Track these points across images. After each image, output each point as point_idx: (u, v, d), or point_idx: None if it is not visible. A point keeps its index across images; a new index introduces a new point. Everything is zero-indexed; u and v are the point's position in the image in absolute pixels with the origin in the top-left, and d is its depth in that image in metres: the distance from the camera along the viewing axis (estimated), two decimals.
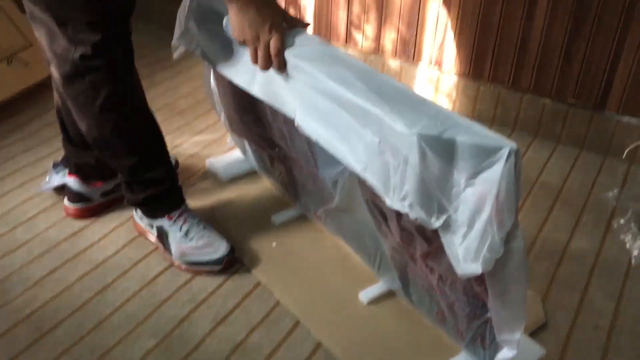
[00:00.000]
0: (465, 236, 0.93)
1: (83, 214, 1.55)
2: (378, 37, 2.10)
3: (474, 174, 0.88)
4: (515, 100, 1.92)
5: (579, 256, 1.47)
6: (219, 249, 1.39)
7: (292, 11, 2.23)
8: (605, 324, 1.30)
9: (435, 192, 0.93)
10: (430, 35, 1.99)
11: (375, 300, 1.33)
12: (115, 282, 1.38)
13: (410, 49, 2.05)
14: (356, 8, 2.09)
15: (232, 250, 1.40)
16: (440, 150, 0.90)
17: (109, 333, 1.25)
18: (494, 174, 0.86)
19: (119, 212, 1.58)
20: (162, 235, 1.42)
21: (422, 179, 0.92)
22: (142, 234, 1.49)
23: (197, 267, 1.39)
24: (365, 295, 1.33)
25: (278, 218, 1.55)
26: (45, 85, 2.06)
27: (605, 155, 1.84)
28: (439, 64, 2.02)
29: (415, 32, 2.01)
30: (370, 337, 1.25)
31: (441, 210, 0.94)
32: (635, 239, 1.49)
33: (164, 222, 1.41)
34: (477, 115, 2.00)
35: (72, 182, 1.52)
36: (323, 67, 1.07)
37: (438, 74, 2.03)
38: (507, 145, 0.86)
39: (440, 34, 1.97)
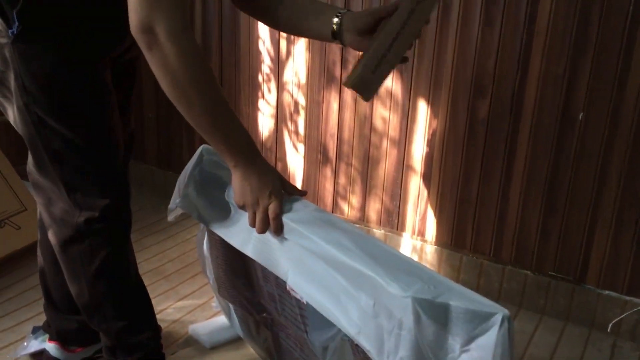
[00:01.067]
0: None
1: None
2: (363, 207, 2.18)
3: (469, 340, 0.89)
4: (498, 271, 1.96)
5: None
6: None
7: None
8: None
9: (430, 358, 0.93)
10: (412, 206, 2.08)
11: None
12: None
13: (394, 219, 2.13)
14: (342, 179, 2.20)
15: None
16: (435, 314, 0.91)
17: None
18: (489, 340, 0.87)
19: None
20: None
21: (417, 343, 0.92)
22: None
23: None
24: None
25: None
26: (32, 249, 2.07)
27: (591, 329, 1.84)
28: (421, 234, 2.09)
29: (398, 203, 2.10)
30: None
31: None
32: None
33: None
34: (461, 284, 2.01)
35: (52, 348, 1.48)
36: (318, 230, 1.11)
37: (421, 243, 2.09)
38: (500, 311, 0.88)
39: (422, 205, 2.06)
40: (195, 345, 1.68)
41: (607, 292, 1.80)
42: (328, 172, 2.22)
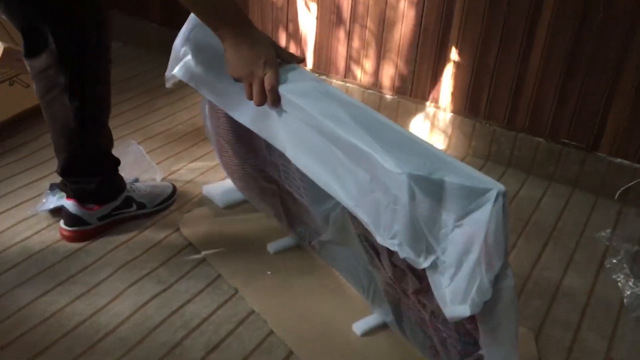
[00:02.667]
0: (453, 278, 0.93)
1: (78, 238, 1.55)
2: (376, 73, 2.13)
3: (463, 215, 0.90)
4: (510, 138, 1.95)
5: (572, 295, 1.48)
6: None
7: (293, 46, 2.27)
8: None
9: (424, 233, 0.94)
10: (427, 72, 2.03)
11: (369, 332, 1.33)
12: (107, 306, 1.37)
13: (407, 85, 2.09)
14: (356, 42, 2.13)
15: None
16: (429, 190, 0.91)
17: (100, 358, 1.24)
18: (483, 215, 0.87)
19: (114, 235, 1.58)
20: None
21: (412, 218, 0.94)
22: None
23: None
24: (359, 326, 1.33)
25: (273, 247, 1.55)
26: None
27: (598, 196, 1.86)
28: (435, 100, 2.06)
29: (413, 69, 2.05)
30: None
31: (429, 250, 0.95)
32: (628, 280, 1.50)
33: None
34: (472, 151, 2.02)
35: (70, 205, 1.52)
36: (316, 103, 1.09)
37: (435, 110, 2.06)
38: (496, 187, 0.87)
39: (438, 71, 2.00)
40: (209, 204, 1.73)
41: (618, 160, 1.80)
42: (341, 34, 2.14)
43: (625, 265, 1.55)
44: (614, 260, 1.57)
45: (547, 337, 1.35)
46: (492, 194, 0.86)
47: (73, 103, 1.39)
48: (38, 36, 1.32)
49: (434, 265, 0.95)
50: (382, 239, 1.00)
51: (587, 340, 1.35)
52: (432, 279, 0.97)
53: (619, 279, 1.52)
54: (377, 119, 1.06)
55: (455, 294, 0.94)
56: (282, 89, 1.12)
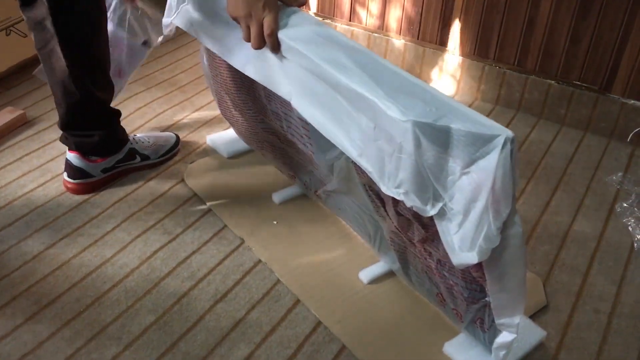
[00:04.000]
0: (461, 225, 0.92)
1: (83, 190, 1.54)
2: (383, 15, 2.07)
3: (470, 162, 0.87)
4: (520, 81, 1.90)
5: (581, 239, 1.47)
6: None
7: None
8: (606, 307, 1.29)
9: (430, 180, 0.92)
10: (435, 14, 1.96)
11: (376, 280, 1.32)
12: (114, 258, 1.37)
13: (415, 28, 2.02)
14: None
15: None
16: (435, 137, 0.88)
17: (108, 308, 1.25)
18: (490, 162, 0.84)
19: (119, 187, 1.57)
20: None
21: (417, 166, 0.91)
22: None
23: None
24: (366, 274, 1.33)
25: (279, 196, 1.54)
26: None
27: (610, 139, 1.82)
28: (443, 43, 1.99)
29: (420, 11, 1.98)
30: (371, 316, 1.25)
31: (436, 198, 0.93)
32: (639, 224, 1.48)
33: None
34: (482, 95, 1.98)
35: (72, 157, 1.51)
36: (317, 49, 1.04)
37: (443, 53, 2.00)
38: (503, 133, 0.84)
39: (446, 12, 1.94)
40: (213, 154, 1.71)
41: (632, 101, 1.75)
42: None
43: (636, 209, 1.52)
44: (625, 204, 1.54)
45: (555, 282, 1.34)
46: (500, 140, 0.84)
47: (67, 55, 1.36)
48: None
49: (441, 213, 0.93)
50: (387, 188, 0.97)
51: (596, 285, 1.34)
52: (440, 226, 0.95)
53: (629, 223, 1.50)
54: (381, 63, 1.02)
55: (463, 241, 0.92)
56: (282, 34, 1.08)
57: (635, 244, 1.45)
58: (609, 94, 1.78)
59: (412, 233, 1.12)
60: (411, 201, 0.94)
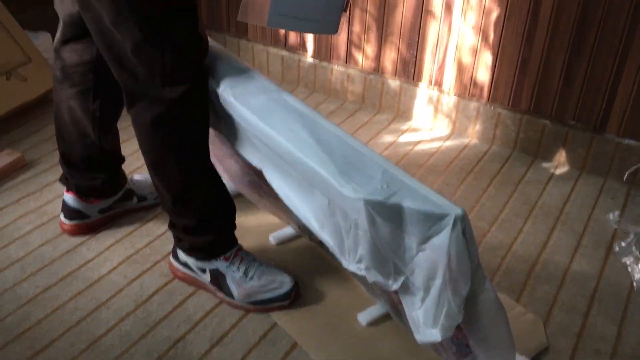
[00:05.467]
0: (423, 300, 0.92)
1: (79, 231, 1.53)
2: (378, 57, 2.10)
3: (424, 240, 0.87)
4: (515, 120, 1.91)
5: (581, 279, 1.46)
6: (283, 283, 1.33)
7: (292, 32, 2.23)
8: (607, 348, 1.28)
9: (389, 255, 0.92)
10: (430, 55, 1.99)
11: (374, 322, 1.31)
12: (109, 301, 1.35)
13: (410, 69, 2.05)
14: (357, 27, 2.09)
15: (296, 283, 1.35)
16: (388, 215, 0.89)
17: (103, 353, 1.23)
18: (443, 241, 0.85)
19: (115, 229, 1.56)
20: (217, 278, 1.34)
21: (374, 242, 0.92)
22: (183, 280, 1.40)
23: (265, 305, 1.33)
24: (364, 316, 1.31)
25: (276, 237, 1.53)
26: (41, 101, 2.05)
27: (606, 178, 1.83)
28: (438, 84, 2.02)
29: (415, 52, 2.01)
30: (370, 359, 1.23)
31: (398, 272, 0.93)
32: (637, 263, 1.47)
33: (220, 264, 1.34)
34: (477, 134, 1.99)
35: (69, 198, 1.51)
36: (274, 120, 1.08)
37: (438, 94, 2.03)
38: (452, 212, 0.84)
39: (440, 54, 1.97)
40: None
41: (627, 140, 1.76)
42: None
43: (634, 248, 1.52)
44: (623, 244, 1.54)
45: (555, 323, 1.33)
46: (450, 220, 0.84)
47: (94, 104, 1.36)
48: (81, 27, 1.27)
49: (404, 287, 0.93)
50: (348, 263, 0.98)
51: (597, 325, 1.33)
52: (404, 300, 0.95)
53: (628, 263, 1.49)
54: (335, 134, 1.04)
55: (426, 317, 0.92)
56: (240, 105, 1.12)
57: (635, 284, 1.44)
58: (604, 133, 1.79)
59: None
60: (373, 276, 0.95)
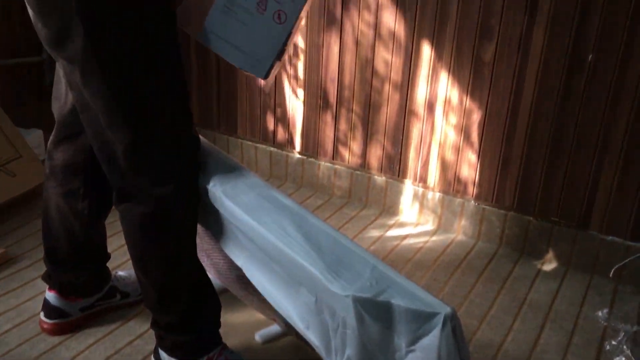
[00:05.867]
0: None
1: (59, 330, 1.49)
2: (364, 154, 2.15)
3: (414, 340, 0.86)
4: (500, 217, 1.94)
5: None
6: None
7: (281, 129, 2.30)
8: None
9: (378, 356, 0.90)
10: (414, 152, 2.04)
11: None
12: None
13: (395, 166, 2.10)
14: (343, 125, 2.15)
15: None
16: (377, 313, 0.88)
17: None
18: (433, 341, 0.84)
19: (96, 327, 1.52)
20: None
21: (363, 342, 0.90)
22: None
23: None
24: None
25: (262, 335, 1.50)
26: (28, 196, 2.05)
27: (592, 274, 1.83)
28: (423, 180, 2.06)
29: (400, 150, 2.07)
30: None
31: None
32: None
33: None
34: (463, 230, 2.01)
35: (51, 297, 1.47)
36: (261, 215, 1.09)
37: (423, 190, 2.06)
38: (442, 310, 0.84)
39: (424, 151, 2.02)
40: None
41: (610, 237, 1.79)
42: (328, 118, 2.17)
43: (625, 347, 1.50)
44: (614, 342, 1.52)
45: None
46: (440, 319, 0.83)
47: (82, 203, 1.37)
48: (75, 128, 1.29)
49: None
50: None
51: None
52: None
53: None
54: (323, 230, 1.05)
55: None
56: (228, 199, 1.14)
57: None
58: (587, 230, 1.82)
59: None
60: None
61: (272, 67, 1.15)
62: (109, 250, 1.55)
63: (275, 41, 1.12)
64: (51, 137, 1.37)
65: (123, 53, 1.06)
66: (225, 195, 1.17)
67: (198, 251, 1.28)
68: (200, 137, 1.28)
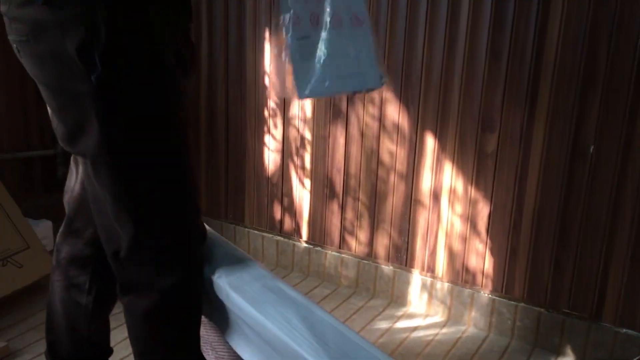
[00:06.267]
0: None
1: None
2: (371, 243, 2.14)
3: None
4: (510, 308, 1.90)
5: None
6: None
7: (288, 219, 2.31)
8: None
9: None
10: (421, 241, 2.04)
11: None
12: None
13: (402, 255, 2.09)
14: (349, 214, 2.16)
15: None
16: None
17: None
18: None
19: None
20: None
21: None
22: None
23: None
24: None
25: None
26: (34, 287, 2.04)
27: None
28: (431, 270, 2.04)
29: (407, 239, 2.06)
30: None
31: None
32: None
33: None
34: (473, 322, 1.96)
35: None
36: (266, 307, 1.08)
37: (431, 280, 2.04)
38: None
39: (431, 240, 2.01)
40: None
41: (624, 330, 1.74)
42: (335, 207, 2.19)
43: None
44: None
45: None
46: None
47: (87, 298, 1.36)
48: (84, 223, 1.31)
49: None
50: None
51: None
52: None
53: None
54: (329, 323, 1.04)
55: None
56: (234, 293, 1.13)
57: None
58: (600, 322, 1.78)
59: None
60: None
61: (381, 71, 1.09)
62: (112, 343, 1.52)
63: (366, 44, 1.06)
64: (60, 230, 1.38)
65: (133, 149, 1.09)
66: (231, 286, 1.16)
67: (203, 343, 1.25)
68: (207, 226, 1.29)
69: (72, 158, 1.29)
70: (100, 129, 1.06)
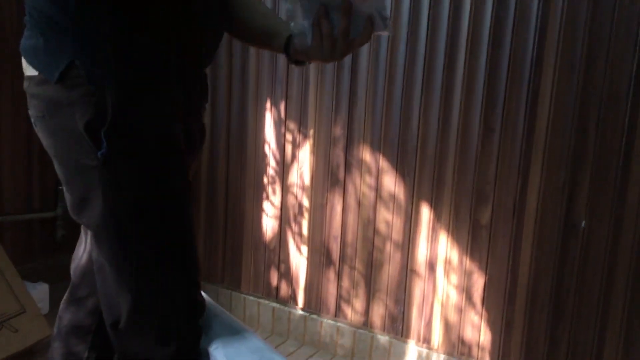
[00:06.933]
0: None
1: None
2: (367, 312, 2.14)
3: None
4: None
5: None
6: None
7: (284, 285, 2.32)
8: None
9: None
10: (417, 311, 2.04)
11: None
12: None
13: (398, 325, 2.08)
14: (345, 282, 2.17)
15: None
16: None
17: None
18: None
19: None
20: None
21: None
22: None
23: None
24: None
25: None
26: (29, 352, 2.02)
27: None
28: (427, 340, 2.03)
29: (402, 309, 2.07)
30: None
31: None
32: None
33: None
34: None
35: None
36: None
37: (427, 351, 2.03)
38: None
39: (427, 310, 2.02)
40: None
41: None
42: (331, 275, 2.20)
43: None
44: None
45: None
46: None
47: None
48: (88, 289, 1.32)
49: None
50: None
51: None
52: None
53: None
54: None
55: None
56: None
57: None
58: None
59: None
60: None
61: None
62: None
63: None
64: (64, 297, 1.40)
65: (135, 223, 1.13)
66: (228, 359, 1.17)
67: None
68: (205, 295, 1.30)
69: (82, 227, 1.32)
70: (104, 202, 1.09)
